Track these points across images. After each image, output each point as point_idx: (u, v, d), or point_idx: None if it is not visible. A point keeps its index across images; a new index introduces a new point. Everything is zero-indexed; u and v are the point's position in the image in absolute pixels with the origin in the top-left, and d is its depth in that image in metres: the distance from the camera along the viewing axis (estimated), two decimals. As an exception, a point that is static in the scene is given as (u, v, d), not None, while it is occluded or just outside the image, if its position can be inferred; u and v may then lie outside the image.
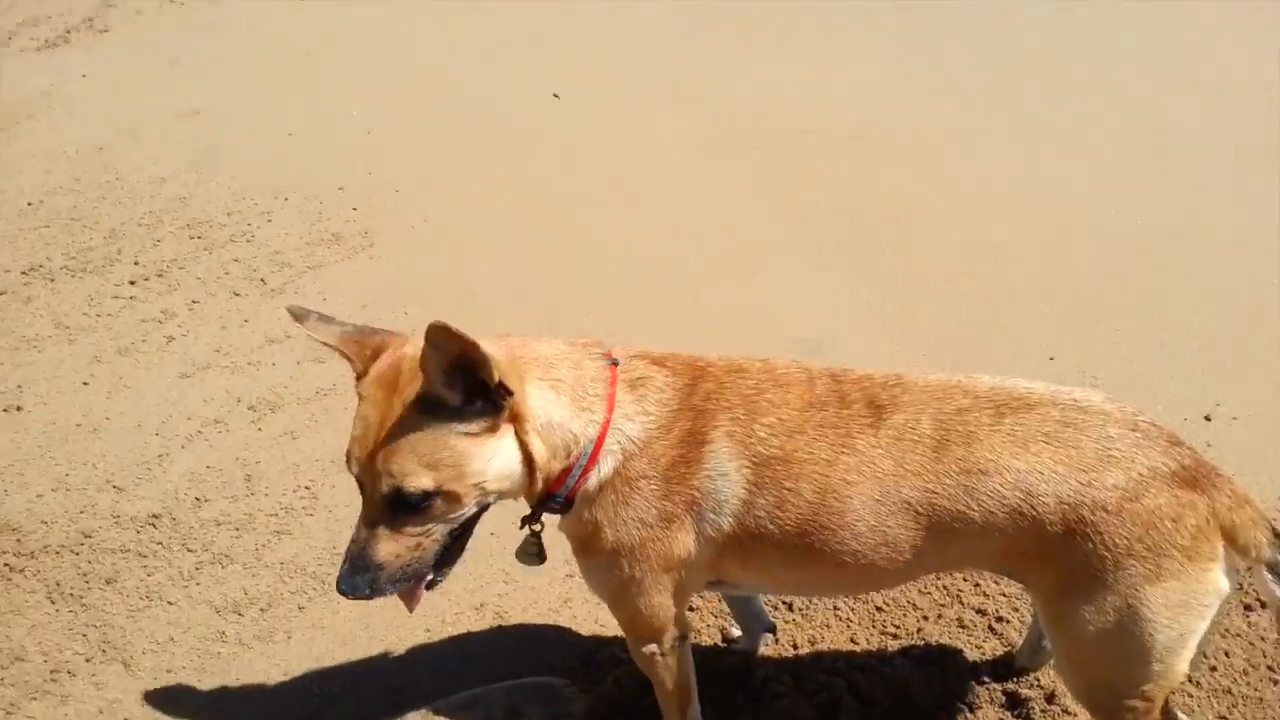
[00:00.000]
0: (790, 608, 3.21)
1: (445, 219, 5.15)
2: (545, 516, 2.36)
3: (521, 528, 2.40)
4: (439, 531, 2.13)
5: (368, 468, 2.04)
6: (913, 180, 5.36)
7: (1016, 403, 2.22)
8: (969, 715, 2.87)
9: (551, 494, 2.25)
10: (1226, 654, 3.04)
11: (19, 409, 4.10)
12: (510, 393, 2.02)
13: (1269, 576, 2.17)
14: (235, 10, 7.55)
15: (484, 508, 2.18)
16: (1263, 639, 3.06)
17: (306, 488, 3.72)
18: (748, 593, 2.95)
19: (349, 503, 3.65)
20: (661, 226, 5.04)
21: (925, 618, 3.16)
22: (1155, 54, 6.41)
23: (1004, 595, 3.21)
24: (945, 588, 3.25)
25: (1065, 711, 2.82)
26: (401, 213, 5.20)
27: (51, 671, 3.13)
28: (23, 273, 4.86)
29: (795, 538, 2.25)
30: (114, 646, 3.19)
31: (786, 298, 4.58)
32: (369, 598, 2.15)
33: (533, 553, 2.45)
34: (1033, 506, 2.14)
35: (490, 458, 2.07)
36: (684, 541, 2.27)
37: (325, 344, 2.20)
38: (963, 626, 3.13)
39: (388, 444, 2.00)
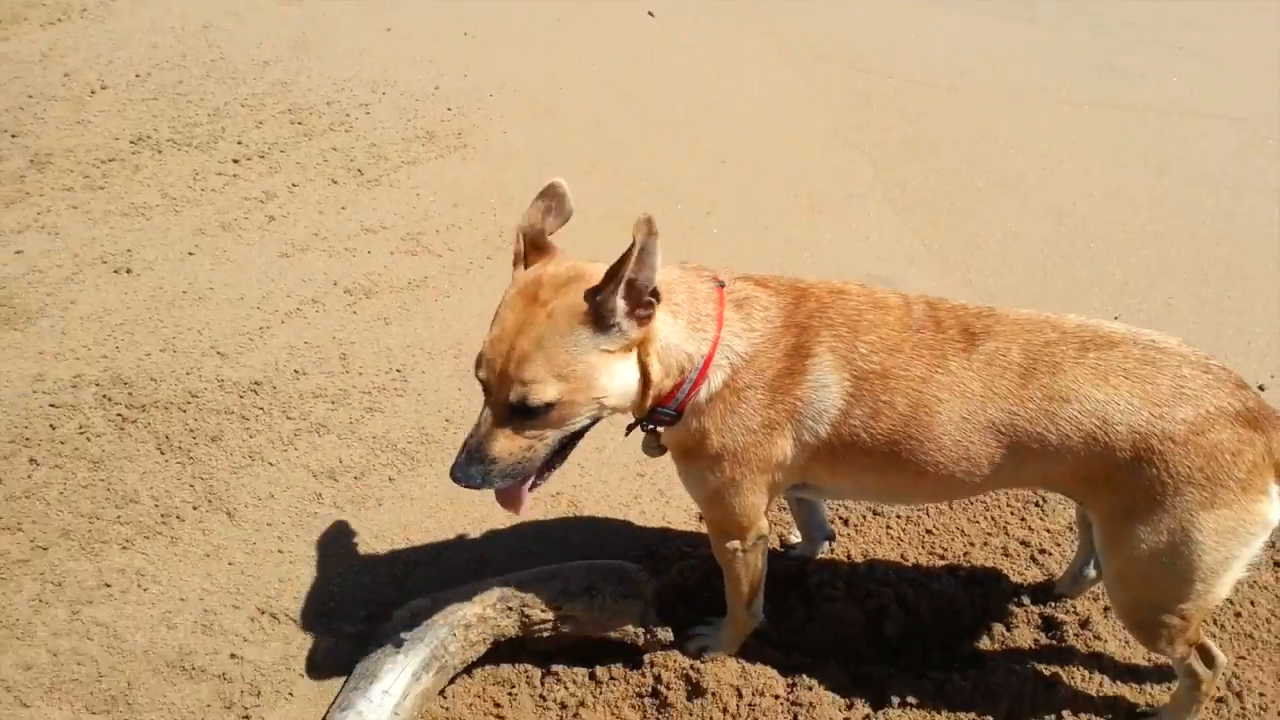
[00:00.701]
0: (846, 523, 3.43)
1: (536, 127, 5.29)
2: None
3: (628, 433, 2.62)
4: (551, 437, 2.33)
5: (499, 372, 2.23)
6: (997, 136, 5.42)
7: (1100, 340, 2.41)
8: (1006, 633, 3.08)
9: (662, 406, 2.45)
10: (1252, 603, 3.22)
11: (129, 271, 4.35)
12: (651, 316, 2.21)
13: None
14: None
15: (596, 420, 2.38)
16: (1291, 595, 3.24)
17: (398, 370, 3.95)
18: (826, 497, 3.17)
19: (437, 389, 3.89)
20: (741, 156, 5.15)
21: (972, 544, 3.36)
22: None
23: (1048, 531, 3.41)
24: (993, 519, 3.45)
25: (1097, 637, 3.04)
26: (494, 117, 5.34)
27: (162, 515, 3.41)
28: (131, 142, 5.08)
29: (885, 446, 2.45)
30: (219, 497, 3.47)
31: (854, 236, 4.71)
32: (479, 488, 2.35)
33: (654, 445, 2.67)
34: (1107, 434, 2.33)
35: (616, 376, 2.28)
36: (783, 446, 2.48)
37: (521, 227, 2.39)
38: (1007, 555, 3.33)
39: (523, 352, 2.19)
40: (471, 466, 2.32)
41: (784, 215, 4.79)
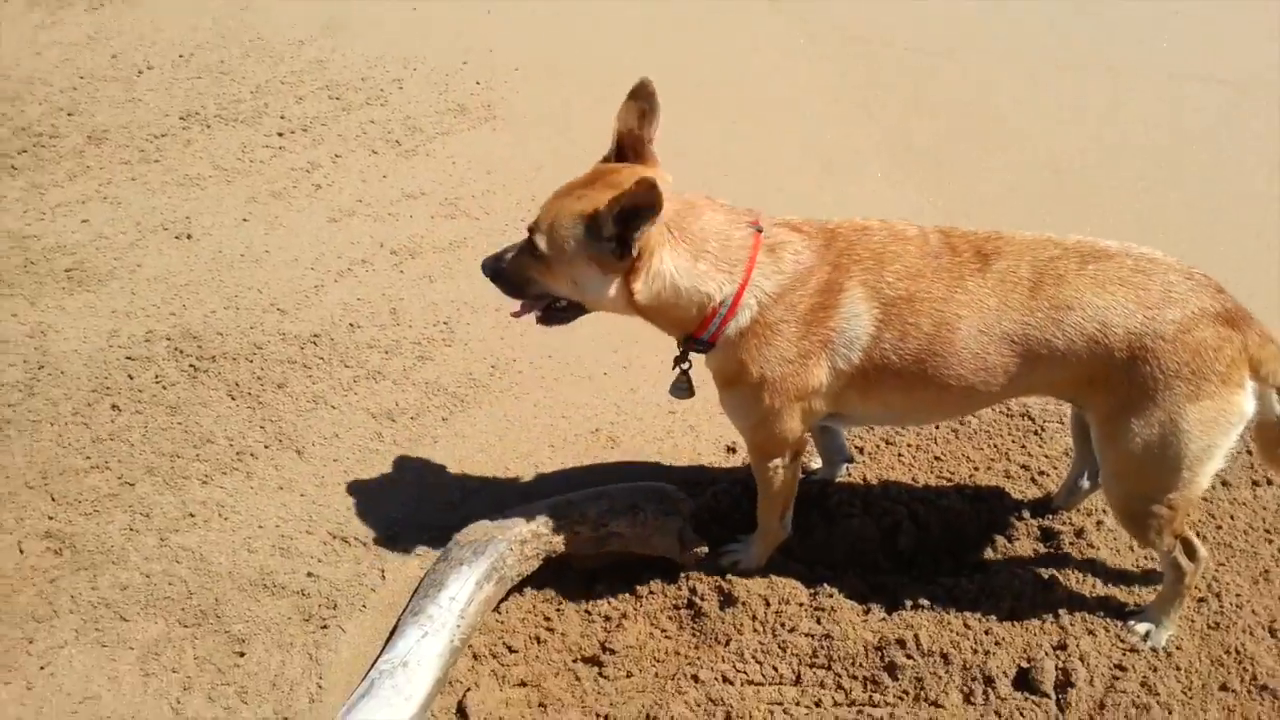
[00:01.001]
0: (862, 451, 3.74)
1: (560, 98, 5.58)
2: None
3: (673, 368, 2.94)
4: (541, 286, 2.81)
5: (536, 216, 2.70)
6: (996, 97, 5.69)
7: (1098, 253, 2.72)
8: (1009, 544, 3.40)
9: (695, 338, 2.78)
10: (1232, 518, 3.53)
11: (189, 237, 4.66)
12: (628, 255, 2.59)
13: (1276, 398, 2.72)
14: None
15: (579, 310, 2.88)
16: (1264, 508, 3.54)
17: (445, 323, 4.27)
18: (857, 424, 3.48)
19: (482, 338, 4.21)
20: (754, 120, 5.43)
21: (976, 468, 3.68)
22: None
23: (1045, 456, 3.71)
24: (996, 446, 3.76)
25: (1090, 545, 3.35)
26: (521, 89, 5.63)
27: (237, 453, 3.74)
28: (180, 118, 5.38)
29: (913, 365, 2.76)
30: (288, 437, 3.79)
31: (863, 192, 5.00)
32: (485, 274, 2.92)
33: (683, 386, 3.02)
34: (1106, 335, 2.64)
35: (590, 282, 2.71)
36: (818, 374, 2.80)
37: (617, 129, 2.81)
38: (1009, 477, 3.64)
39: (549, 212, 2.68)
40: (493, 261, 2.91)
41: (796, 175, 5.08)
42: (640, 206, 2.48)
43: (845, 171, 5.16)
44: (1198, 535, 3.39)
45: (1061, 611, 3.15)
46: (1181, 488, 2.79)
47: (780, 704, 3.03)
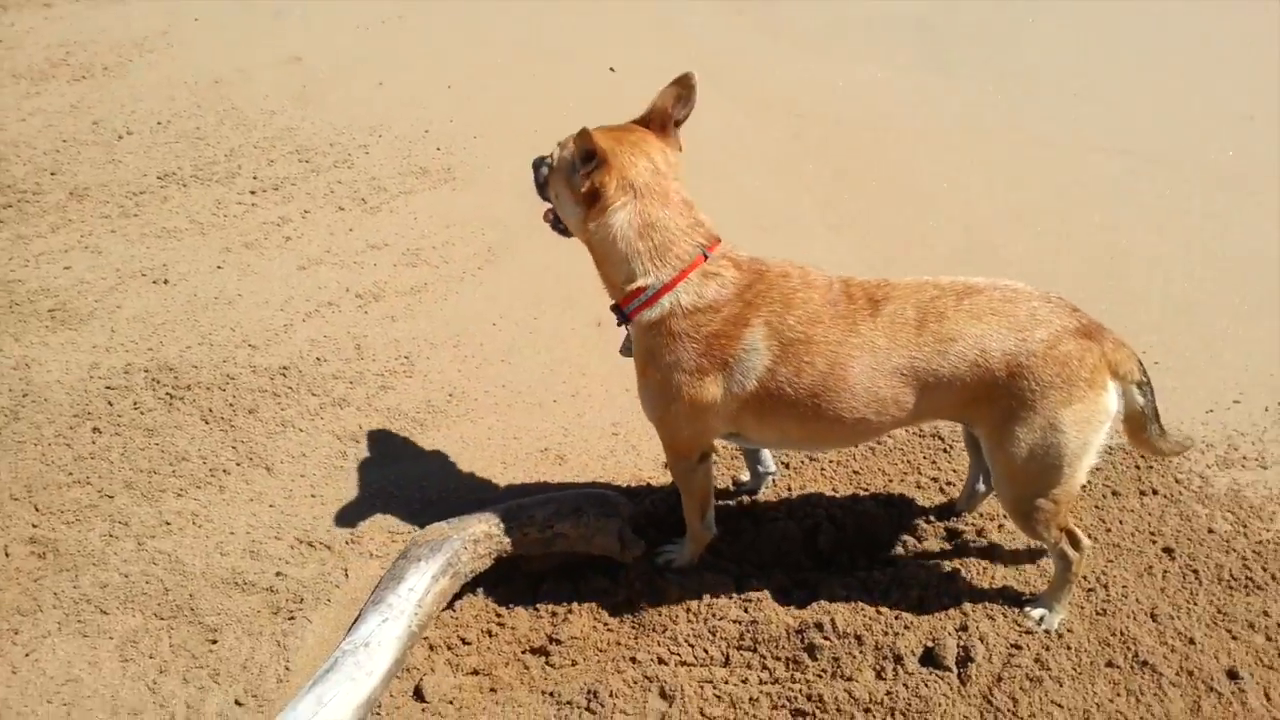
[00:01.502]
0: (787, 466, 4.11)
1: (516, 161, 5.96)
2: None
3: (618, 325, 3.30)
4: (547, 194, 3.30)
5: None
6: (914, 166, 6.22)
7: (970, 289, 3.13)
8: (918, 543, 3.76)
9: (620, 306, 3.19)
10: (1120, 522, 3.93)
11: (166, 282, 5.00)
12: (582, 192, 3.07)
13: (1136, 391, 3.16)
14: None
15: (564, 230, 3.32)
16: (1150, 514, 3.94)
17: (405, 357, 4.61)
18: (760, 446, 3.83)
19: (440, 370, 4.55)
20: (695, 186, 5.90)
21: (890, 480, 4.06)
22: (1160, 72, 7.25)
23: (954, 470, 4.10)
24: (909, 461, 4.15)
25: (990, 543, 3.73)
26: (479, 154, 6.08)
27: (210, 470, 4.02)
28: (158, 178, 5.76)
29: (808, 398, 3.13)
30: (258, 456, 4.09)
31: (795, 249, 5.43)
32: (532, 168, 3.36)
33: (630, 348, 3.36)
34: (986, 359, 3.04)
35: (564, 202, 3.20)
36: (713, 392, 3.17)
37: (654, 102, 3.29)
38: (919, 487, 4.02)
39: (566, 139, 3.15)
40: (536, 159, 3.34)
41: (735, 234, 5.52)
42: (584, 148, 2.97)
43: (780, 231, 5.63)
44: (1090, 536, 3.80)
45: (964, 599, 3.50)
46: (1063, 483, 3.18)
47: (710, 682, 3.33)
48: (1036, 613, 3.47)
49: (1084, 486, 4.05)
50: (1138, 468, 4.19)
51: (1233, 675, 3.33)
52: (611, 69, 7.02)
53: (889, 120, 6.67)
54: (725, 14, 7.96)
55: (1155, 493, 4.09)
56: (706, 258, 3.15)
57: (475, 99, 6.64)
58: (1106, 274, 5.31)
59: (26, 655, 3.31)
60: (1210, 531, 3.90)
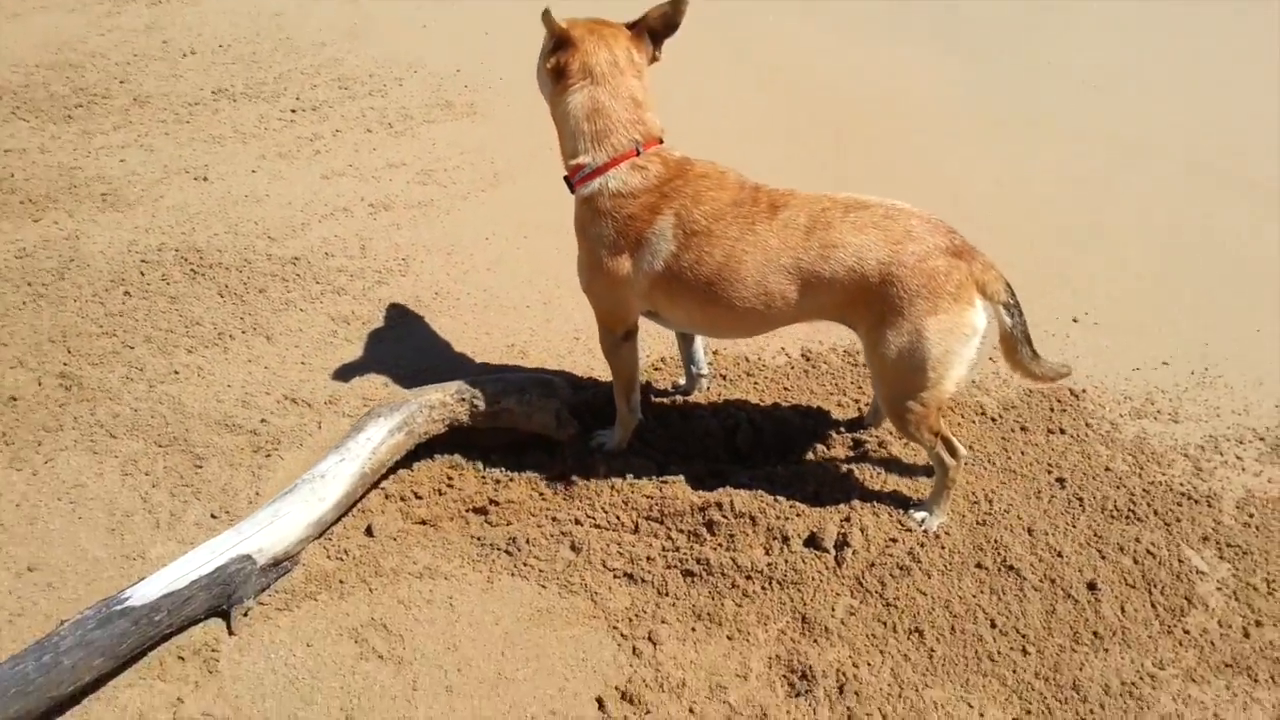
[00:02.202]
0: (724, 378, 4.56)
1: (532, 105, 6.49)
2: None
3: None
4: (539, 70, 3.75)
5: None
6: (915, 140, 6.58)
7: (859, 205, 3.55)
8: (825, 450, 4.19)
9: (569, 176, 3.70)
10: (1022, 453, 4.30)
11: (205, 179, 5.61)
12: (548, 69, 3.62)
13: (1003, 311, 3.58)
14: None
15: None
16: (1051, 449, 4.31)
17: (403, 260, 5.16)
18: (676, 328, 4.18)
19: (431, 273, 5.08)
20: (704, 148, 6.32)
21: (814, 396, 4.49)
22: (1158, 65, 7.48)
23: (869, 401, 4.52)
24: (836, 383, 4.57)
25: (889, 454, 4.14)
26: (501, 93, 6.61)
27: (218, 334, 4.61)
28: (213, 92, 6.38)
29: (705, 286, 3.59)
30: (261, 328, 4.66)
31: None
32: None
33: None
34: (862, 266, 3.46)
35: (542, 75, 3.71)
36: (626, 267, 3.65)
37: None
38: (839, 406, 4.44)
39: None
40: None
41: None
42: (554, 33, 3.54)
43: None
44: (991, 461, 4.20)
45: (854, 497, 3.94)
46: (930, 388, 3.58)
47: (617, 543, 3.81)
48: (918, 515, 3.88)
49: (987, 416, 4.44)
50: (1051, 410, 4.55)
51: (1092, 587, 3.71)
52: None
53: (898, 97, 7.01)
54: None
55: (1063, 432, 4.44)
56: (639, 152, 3.61)
57: (507, 46, 7.16)
58: (1074, 244, 5.64)
59: (45, 462, 3.92)
60: (1107, 470, 4.25)
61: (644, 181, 3.61)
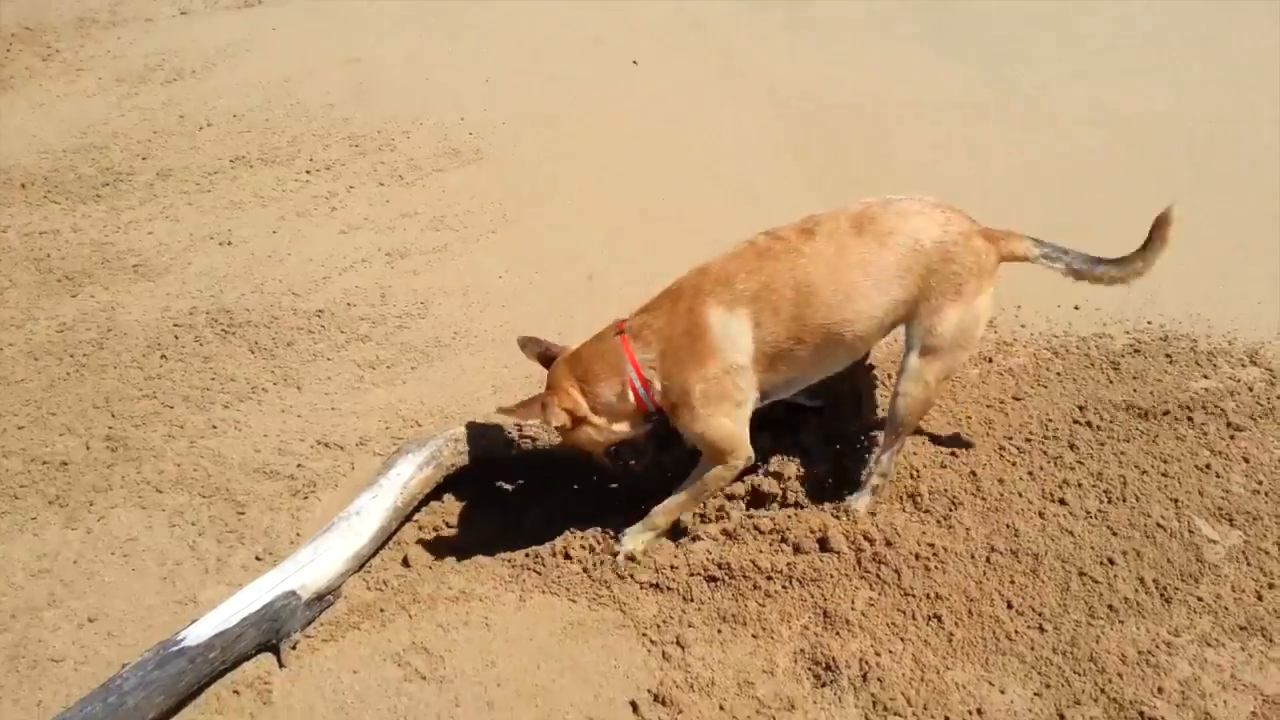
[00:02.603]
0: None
1: (538, 144, 6.78)
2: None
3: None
4: None
5: None
6: (901, 143, 6.73)
7: (894, 201, 3.74)
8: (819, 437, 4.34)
9: (647, 417, 3.79)
10: (1027, 440, 4.43)
11: (229, 243, 5.88)
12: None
13: (1045, 261, 3.83)
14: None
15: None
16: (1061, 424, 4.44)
17: (422, 303, 5.38)
18: (787, 395, 4.05)
19: (449, 314, 5.30)
20: (698, 161, 6.54)
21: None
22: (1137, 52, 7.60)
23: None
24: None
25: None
26: (505, 137, 6.84)
27: (252, 388, 4.84)
28: (230, 161, 6.67)
29: (795, 326, 3.59)
30: (292, 379, 4.89)
31: (787, 217, 6.02)
32: None
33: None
34: (920, 244, 3.62)
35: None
36: (733, 375, 3.66)
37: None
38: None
39: None
40: None
41: (726, 204, 6.10)
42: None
43: (768, 203, 6.20)
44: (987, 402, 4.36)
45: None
46: (962, 362, 3.92)
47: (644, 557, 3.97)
48: (855, 501, 3.98)
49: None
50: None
51: (1106, 563, 3.84)
52: (635, 62, 7.71)
53: (879, 99, 7.16)
54: (747, 10, 8.58)
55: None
56: (623, 332, 3.78)
57: (508, 91, 7.41)
58: (1071, 236, 5.75)
59: (98, 520, 4.16)
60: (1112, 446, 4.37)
61: (657, 330, 3.67)
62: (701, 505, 4.01)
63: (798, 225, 3.75)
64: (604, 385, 3.70)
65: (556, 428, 3.76)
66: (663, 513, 3.92)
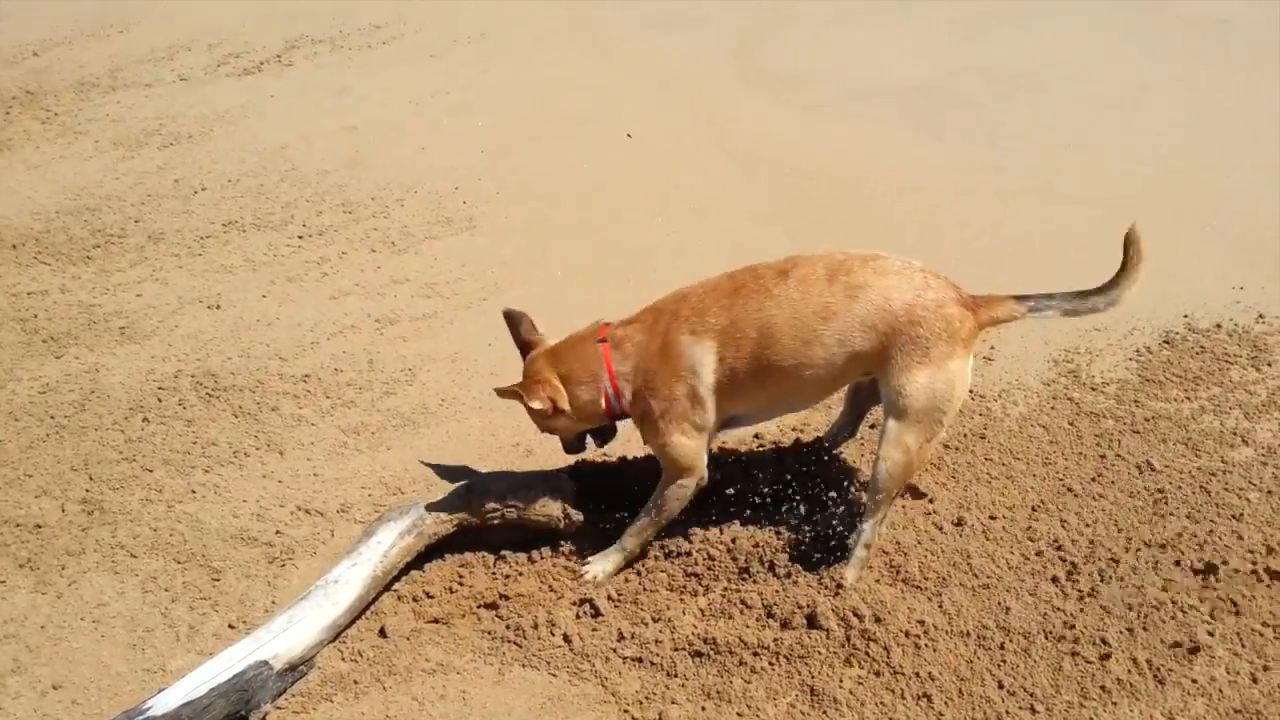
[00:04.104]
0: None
1: (529, 213, 6.81)
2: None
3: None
4: None
5: None
6: (890, 217, 6.75)
7: (874, 257, 3.78)
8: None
9: (615, 418, 4.10)
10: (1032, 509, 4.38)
11: (218, 307, 5.86)
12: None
13: (1035, 315, 3.81)
14: (389, 57, 9.51)
15: None
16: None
17: (410, 370, 5.34)
18: (751, 423, 4.25)
19: (437, 380, 5.26)
20: (685, 224, 6.56)
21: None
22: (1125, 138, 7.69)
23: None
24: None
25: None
26: (499, 208, 6.88)
27: (234, 453, 4.78)
28: (223, 225, 6.69)
29: (754, 364, 3.76)
30: (274, 444, 4.84)
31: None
32: None
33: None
34: (890, 305, 3.65)
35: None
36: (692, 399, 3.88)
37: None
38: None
39: None
40: None
41: (712, 266, 6.11)
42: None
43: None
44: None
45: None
46: (940, 429, 3.78)
47: (627, 629, 3.89)
48: (846, 573, 3.91)
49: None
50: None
51: (1099, 642, 3.76)
52: (629, 135, 7.79)
53: (875, 175, 7.21)
54: (741, 85, 8.69)
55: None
56: (605, 341, 4.06)
57: (503, 161, 7.47)
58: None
59: (69, 585, 4.06)
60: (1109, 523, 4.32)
61: (635, 343, 3.93)
62: (664, 523, 4.08)
63: (778, 264, 3.85)
64: (582, 388, 3.98)
65: (538, 411, 4.02)
66: (630, 535, 4.08)
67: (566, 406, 4.00)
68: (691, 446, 3.91)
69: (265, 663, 3.51)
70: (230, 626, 3.89)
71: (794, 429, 4.81)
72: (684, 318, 3.82)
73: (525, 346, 4.25)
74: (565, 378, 3.99)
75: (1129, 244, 3.84)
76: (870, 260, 3.76)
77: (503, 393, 4.02)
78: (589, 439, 4.35)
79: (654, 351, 3.85)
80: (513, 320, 4.28)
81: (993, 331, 4.98)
